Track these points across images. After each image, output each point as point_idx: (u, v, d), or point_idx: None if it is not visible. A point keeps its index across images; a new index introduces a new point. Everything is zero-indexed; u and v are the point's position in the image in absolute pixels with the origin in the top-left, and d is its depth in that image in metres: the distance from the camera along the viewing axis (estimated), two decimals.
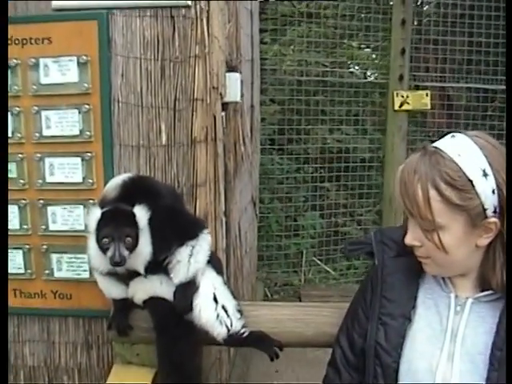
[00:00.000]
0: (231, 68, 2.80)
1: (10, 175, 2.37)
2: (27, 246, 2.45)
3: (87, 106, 2.34)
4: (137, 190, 2.03)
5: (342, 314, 1.84)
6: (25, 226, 2.44)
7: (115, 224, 1.88)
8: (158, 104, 2.38)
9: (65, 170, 2.38)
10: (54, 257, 2.45)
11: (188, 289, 1.99)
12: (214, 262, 2.11)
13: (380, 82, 5.60)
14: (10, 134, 2.36)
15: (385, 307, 1.62)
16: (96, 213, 1.91)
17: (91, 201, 2.36)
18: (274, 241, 5.60)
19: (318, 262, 5.66)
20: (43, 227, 2.43)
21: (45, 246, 2.44)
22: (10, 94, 2.33)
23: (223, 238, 2.69)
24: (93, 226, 1.91)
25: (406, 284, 1.62)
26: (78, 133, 2.36)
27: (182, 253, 1.98)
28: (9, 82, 2.34)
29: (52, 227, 2.43)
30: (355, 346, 1.69)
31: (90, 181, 2.37)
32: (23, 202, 2.42)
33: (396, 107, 5.27)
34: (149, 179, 2.30)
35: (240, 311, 2.03)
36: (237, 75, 2.76)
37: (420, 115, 5.87)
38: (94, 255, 1.98)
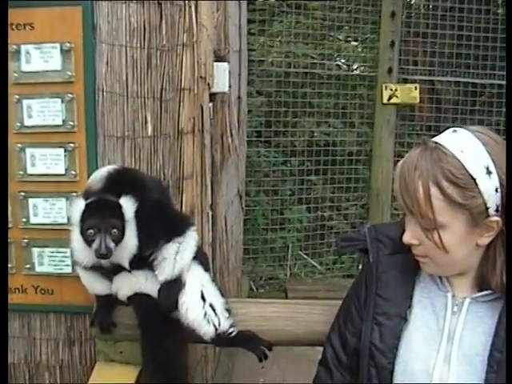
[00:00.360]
0: (219, 58, 2.77)
1: None
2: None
3: (70, 95, 2.28)
4: (123, 181, 1.98)
5: (333, 312, 1.80)
6: None
7: (101, 215, 1.82)
8: (144, 94, 2.32)
9: (47, 161, 2.32)
10: (36, 251, 2.39)
11: (173, 287, 1.94)
12: (200, 257, 2.07)
13: (368, 75, 5.57)
14: None
15: (380, 306, 1.58)
16: (80, 204, 1.85)
17: (74, 193, 2.30)
18: (259, 234, 5.58)
19: (305, 256, 5.63)
20: (24, 220, 2.37)
21: (26, 240, 2.38)
22: None
23: (209, 231, 2.66)
24: (77, 217, 1.84)
25: (401, 282, 1.58)
26: (60, 123, 2.30)
27: (169, 249, 1.93)
28: None
29: (33, 220, 2.37)
30: (348, 346, 1.66)
31: (73, 172, 2.32)
32: None
33: (384, 100, 5.25)
34: (134, 171, 2.25)
35: (228, 310, 1.98)
36: (225, 65, 2.73)
37: (408, 109, 5.83)
38: (77, 248, 1.91)
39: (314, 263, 5.63)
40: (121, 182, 1.97)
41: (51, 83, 2.28)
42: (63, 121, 2.29)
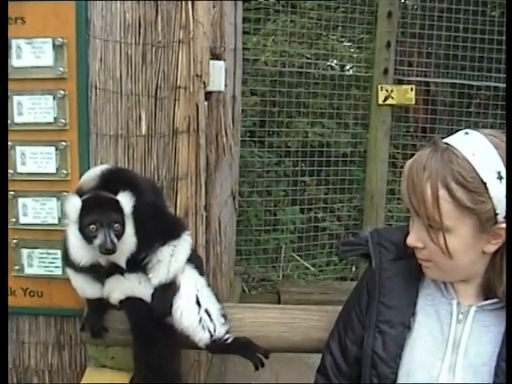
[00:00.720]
0: (215, 56, 2.73)
1: None
2: None
3: (62, 92, 2.23)
4: (117, 180, 1.93)
5: (331, 318, 1.77)
6: None
7: (101, 210, 1.76)
8: (139, 91, 2.29)
9: (37, 159, 2.28)
10: (25, 252, 2.34)
11: (168, 290, 1.89)
12: (195, 261, 2.03)
13: (364, 76, 5.53)
14: None
15: (383, 314, 1.54)
16: (76, 200, 1.79)
17: (65, 193, 2.24)
18: (252, 235, 5.55)
19: (297, 257, 5.60)
20: (13, 220, 2.31)
21: (15, 241, 2.32)
22: None
23: (203, 233, 2.63)
24: (74, 214, 1.78)
25: (405, 289, 1.54)
26: (52, 120, 2.25)
27: (164, 252, 1.89)
28: None
29: (23, 220, 2.32)
30: (348, 354, 1.62)
31: (64, 172, 2.27)
32: None
33: (380, 101, 5.23)
34: (128, 171, 2.22)
35: (224, 316, 1.94)
36: (221, 63, 2.71)
37: (403, 110, 5.81)
38: (75, 246, 1.84)
39: (307, 265, 5.60)
40: (115, 180, 1.92)
41: (43, 79, 2.23)
42: (55, 118, 2.25)
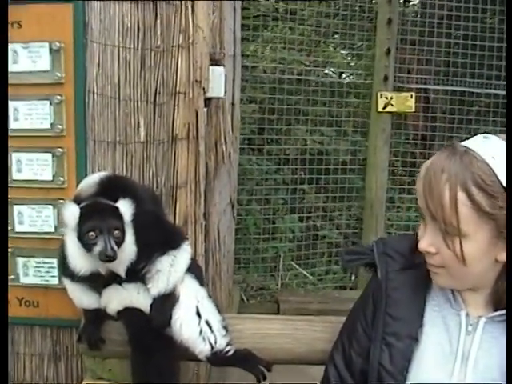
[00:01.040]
0: (214, 62, 2.70)
1: None
2: None
3: (59, 98, 2.21)
4: (116, 187, 1.90)
5: (334, 329, 1.74)
6: None
7: (100, 216, 1.72)
8: (137, 97, 2.27)
9: (33, 166, 2.26)
10: (20, 261, 2.32)
11: (167, 301, 1.85)
12: (195, 271, 1.99)
13: (363, 83, 5.51)
14: None
15: (389, 326, 1.51)
16: (73, 208, 1.75)
17: (62, 200, 2.23)
18: (251, 244, 5.50)
19: (296, 266, 5.57)
20: (9, 228, 2.28)
21: (10, 249, 2.29)
22: None
23: (202, 242, 2.60)
24: (72, 222, 1.74)
25: (412, 300, 1.51)
26: (48, 126, 2.23)
27: (163, 262, 1.85)
28: None
29: (18, 228, 2.30)
30: (353, 366, 1.59)
31: (61, 179, 2.25)
32: None
33: (380, 109, 5.19)
34: (127, 179, 2.19)
35: (225, 327, 1.90)
36: (221, 69, 2.68)
37: (402, 118, 5.78)
38: (74, 255, 1.80)
39: (306, 273, 5.57)
40: (114, 187, 1.89)
41: (39, 84, 2.22)
42: (51, 124, 2.23)
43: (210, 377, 3.13)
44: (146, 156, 2.30)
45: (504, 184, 1.26)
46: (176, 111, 2.25)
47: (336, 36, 5.74)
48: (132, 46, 2.23)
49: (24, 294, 2.34)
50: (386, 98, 5.16)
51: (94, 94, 2.23)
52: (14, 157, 2.25)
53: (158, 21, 2.23)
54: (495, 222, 1.28)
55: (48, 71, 2.20)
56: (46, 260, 2.29)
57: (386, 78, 5.16)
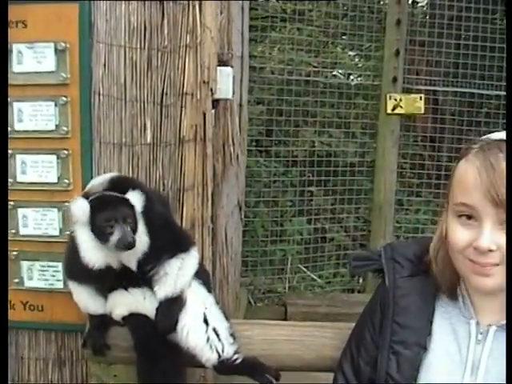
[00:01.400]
0: (222, 62, 2.69)
1: None
2: None
3: (65, 99, 2.18)
4: (125, 183, 1.89)
5: (344, 336, 1.71)
6: None
7: (112, 206, 1.72)
8: (144, 98, 2.23)
9: (38, 168, 2.23)
10: (25, 264, 2.29)
11: (173, 305, 1.83)
12: (202, 276, 1.97)
13: (372, 84, 5.48)
14: None
15: (397, 334, 1.48)
16: (83, 202, 1.73)
17: (67, 203, 2.17)
18: (258, 246, 5.48)
19: (304, 269, 5.54)
20: (13, 231, 2.26)
21: (14, 253, 2.27)
22: None
23: (210, 245, 2.59)
24: (83, 216, 1.72)
25: (421, 308, 1.48)
26: (53, 128, 2.20)
27: (172, 265, 1.83)
28: None
29: (23, 231, 2.27)
30: (362, 375, 1.56)
31: (66, 181, 2.22)
32: None
33: (389, 110, 5.16)
34: (136, 181, 2.15)
35: (233, 335, 1.88)
36: (229, 70, 2.67)
37: (410, 119, 5.75)
38: (88, 249, 1.76)
39: (314, 276, 5.54)
40: (123, 183, 1.88)
41: (44, 85, 2.19)
42: (56, 126, 2.20)
43: (217, 381, 3.12)
44: (153, 158, 2.27)
45: None
46: (183, 112, 2.23)
47: (344, 37, 5.73)
48: (138, 47, 2.20)
49: (28, 298, 2.32)
50: (395, 99, 5.13)
51: (99, 95, 2.21)
52: (19, 159, 2.23)
53: (165, 20, 2.20)
54: None
55: (53, 72, 2.18)
56: (51, 264, 2.27)
57: (394, 80, 5.14)
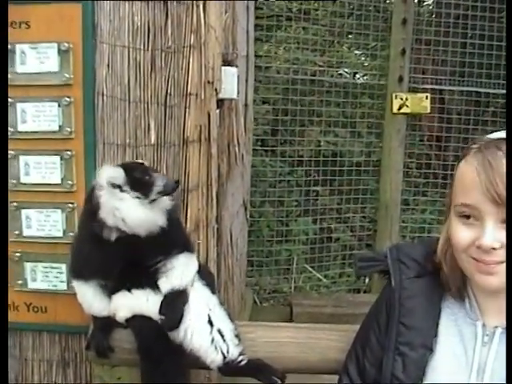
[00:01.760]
0: (226, 62, 2.68)
1: None
2: None
3: (68, 99, 2.19)
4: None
5: (350, 338, 1.69)
6: None
7: (145, 166, 1.82)
8: (147, 98, 2.24)
9: (41, 169, 2.24)
10: (28, 266, 2.30)
11: (178, 299, 1.84)
12: (206, 277, 1.97)
13: (378, 84, 5.46)
14: None
15: (403, 335, 1.47)
16: (115, 167, 1.80)
17: (70, 204, 2.21)
18: (264, 246, 5.47)
19: (310, 269, 5.53)
20: (16, 233, 2.27)
21: (18, 254, 2.28)
22: None
23: (214, 246, 2.56)
24: (119, 178, 1.74)
25: (427, 309, 1.47)
26: (57, 128, 2.21)
27: (180, 259, 1.86)
28: None
29: (26, 233, 2.28)
30: (367, 376, 1.54)
31: (70, 182, 2.23)
32: None
33: (395, 110, 5.13)
34: None
35: (237, 336, 1.86)
36: (233, 70, 2.66)
37: (416, 119, 5.73)
38: (128, 206, 1.75)
39: (320, 276, 5.53)
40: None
41: (47, 86, 2.20)
42: (60, 126, 2.21)
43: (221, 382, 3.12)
44: (157, 159, 2.27)
45: None
46: (187, 113, 2.22)
47: (350, 36, 5.70)
48: (142, 47, 2.21)
49: (32, 300, 2.32)
50: (401, 98, 5.10)
51: (103, 95, 2.21)
52: (22, 160, 2.23)
53: (169, 20, 2.20)
54: None
55: (56, 72, 2.18)
56: (54, 265, 2.27)
57: (400, 79, 5.10)
